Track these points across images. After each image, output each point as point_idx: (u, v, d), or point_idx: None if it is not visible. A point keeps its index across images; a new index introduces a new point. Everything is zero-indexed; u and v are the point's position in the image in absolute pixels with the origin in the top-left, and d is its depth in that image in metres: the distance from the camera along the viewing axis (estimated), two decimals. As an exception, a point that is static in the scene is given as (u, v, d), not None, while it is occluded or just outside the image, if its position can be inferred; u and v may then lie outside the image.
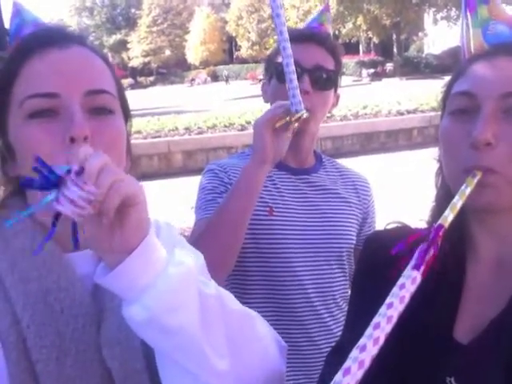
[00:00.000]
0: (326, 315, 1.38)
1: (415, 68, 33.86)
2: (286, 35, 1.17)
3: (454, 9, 32.62)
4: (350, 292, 1.03)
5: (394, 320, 0.58)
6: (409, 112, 11.22)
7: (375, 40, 37.69)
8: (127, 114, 0.83)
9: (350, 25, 34.13)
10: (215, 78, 48.95)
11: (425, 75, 30.34)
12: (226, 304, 0.73)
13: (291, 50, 1.17)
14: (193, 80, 48.47)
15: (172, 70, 58.26)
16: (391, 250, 0.66)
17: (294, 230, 1.36)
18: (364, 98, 13.39)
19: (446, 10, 33.93)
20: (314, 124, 1.36)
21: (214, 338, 0.69)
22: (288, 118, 1.18)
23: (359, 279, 0.93)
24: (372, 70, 33.69)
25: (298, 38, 1.32)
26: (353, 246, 1.43)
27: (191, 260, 0.68)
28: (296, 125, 1.19)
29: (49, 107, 0.71)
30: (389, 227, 0.91)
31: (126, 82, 48.75)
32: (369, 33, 35.65)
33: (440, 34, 36.45)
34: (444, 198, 0.81)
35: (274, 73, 1.37)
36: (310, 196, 1.41)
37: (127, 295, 0.63)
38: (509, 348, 0.69)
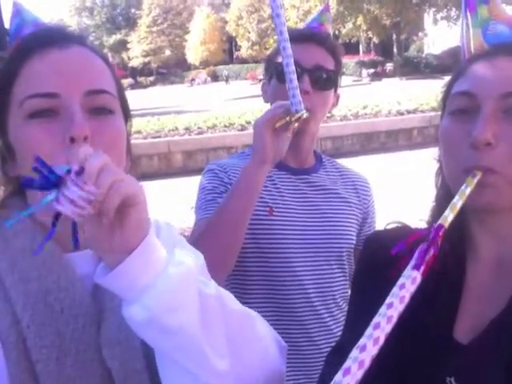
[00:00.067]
0: (325, 315, 1.38)
1: (415, 68, 33.86)
2: (286, 35, 1.17)
3: (454, 9, 32.62)
4: (349, 292, 1.03)
5: (394, 320, 0.58)
6: (409, 112, 11.22)
7: (375, 40, 37.69)
8: (127, 114, 0.83)
9: (349, 25, 34.12)
10: (215, 78, 48.95)
11: (425, 75, 30.34)
12: (226, 304, 0.73)
13: (291, 50, 1.17)
14: (193, 80, 48.47)
15: (172, 70, 58.26)
16: (391, 249, 0.66)
17: (294, 230, 1.36)
18: (364, 98, 13.39)
19: (446, 10, 33.93)
20: (314, 124, 1.36)
21: (213, 337, 0.69)
22: (288, 118, 1.18)
23: (359, 279, 0.93)
24: (372, 70, 33.68)
25: (298, 38, 1.32)
26: (353, 246, 1.43)
27: (191, 260, 0.68)
28: (296, 125, 1.19)
29: (49, 107, 0.71)
30: (389, 227, 0.91)
31: (126, 82, 48.74)
32: (369, 33, 35.65)
33: (440, 34, 36.46)
34: (444, 197, 0.81)
35: (274, 73, 1.37)
36: (310, 196, 1.41)
37: (127, 295, 0.63)
38: (509, 348, 0.69)
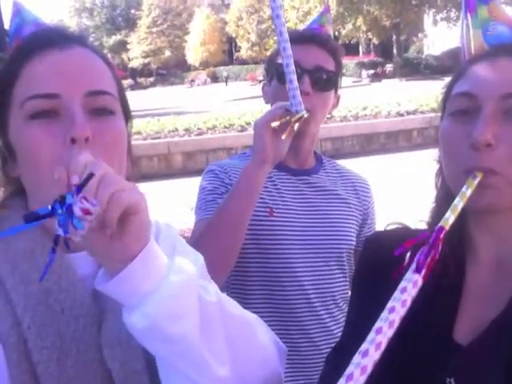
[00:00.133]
0: (325, 316, 1.38)
1: (415, 69, 33.86)
2: (286, 36, 1.17)
3: (453, 10, 32.62)
4: (349, 293, 1.03)
5: (396, 324, 0.57)
6: (409, 113, 11.22)
7: (375, 41, 37.66)
8: (128, 115, 0.83)
9: (349, 26, 34.12)
10: (215, 78, 48.93)
11: (425, 76, 30.35)
12: (225, 309, 0.72)
13: (292, 51, 1.17)
14: (192, 81, 48.46)
15: (172, 70, 58.25)
16: (391, 250, 0.66)
17: (294, 231, 1.36)
18: (364, 99, 13.40)
19: (445, 11, 33.93)
20: (314, 125, 1.36)
21: (214, 344, 0.69)
22: (288, 119, 1.18)
23: (359, 279, 0.93)
24: (372, 71, 33.68)
25: (299, 39, 1.33)
26: (353, 247, 1.43)
27: (192, 266, 0.68)
28: (296, 125, 1.19)
29: (49, 108, 0.71)
30: (389, 228, 0.91)
31: (126, 82, 48.67)
32: (368, 34, 35.65)
33: (440, 35, 36.45)
34: (444, 198, 0.80)
35: (275, 74, 1.37)
36: (310, 197, 1.41)
37: (128, 302, 0.63)
38: (509, 349, 0.69)
